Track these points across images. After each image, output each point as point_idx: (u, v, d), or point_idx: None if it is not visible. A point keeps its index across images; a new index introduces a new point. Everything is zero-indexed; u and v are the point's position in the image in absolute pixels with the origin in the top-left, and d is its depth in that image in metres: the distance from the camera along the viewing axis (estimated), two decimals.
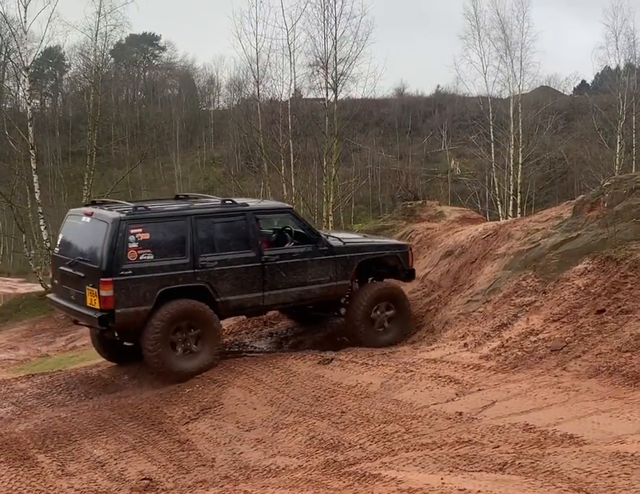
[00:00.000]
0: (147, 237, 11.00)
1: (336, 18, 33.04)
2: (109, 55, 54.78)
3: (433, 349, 11.18)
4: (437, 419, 8.22)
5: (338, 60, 33.03)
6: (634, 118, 42.16)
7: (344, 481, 6.27)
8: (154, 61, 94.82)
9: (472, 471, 6.22)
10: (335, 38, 32.97)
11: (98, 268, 10.86)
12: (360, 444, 7.85)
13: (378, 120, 75.13)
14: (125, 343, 11.88)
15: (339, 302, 12.83)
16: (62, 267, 11.79)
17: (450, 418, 8.18)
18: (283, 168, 33.36)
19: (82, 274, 11.18)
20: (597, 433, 7.00)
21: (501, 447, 6.96)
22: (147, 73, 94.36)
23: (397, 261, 13.18)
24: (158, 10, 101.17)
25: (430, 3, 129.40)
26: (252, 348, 13.25)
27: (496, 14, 42.10)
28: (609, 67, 48.93)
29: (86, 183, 33.75)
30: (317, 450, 8.02)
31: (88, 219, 11.53)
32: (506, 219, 29.53)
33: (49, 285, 30.68)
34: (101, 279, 10.73)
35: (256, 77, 34.80)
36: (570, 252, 11.53)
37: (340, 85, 33.67)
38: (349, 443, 7.97)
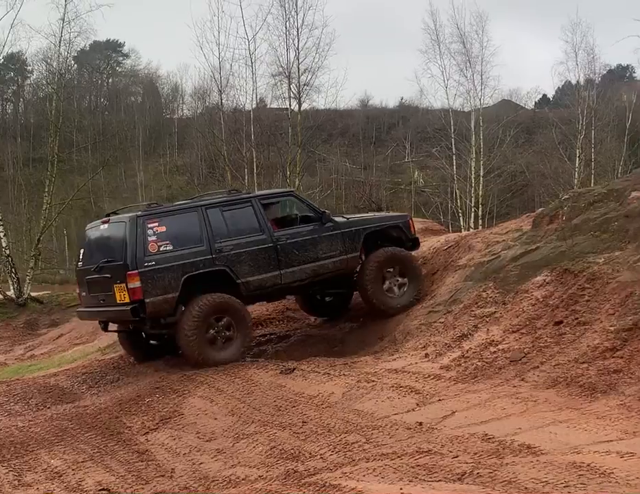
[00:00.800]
0: (164, 230, 11.84)
1: (298, 29, 33.21)
2: (72, 62, 54.17)
3: (395, 359, 11.23)
4: (397, 429, 8.24)
5: (301, 70, 33.15)
6: (593, 132, 42.81)
7: (304, 492, 6.27)
8: (117, 68, 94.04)
9: (432, 481, 6.25)
10: (297, 49, 33.11)
11: (123, 264, 11.66)
12: (321, 455, 7.84)
13: (343, 131, 75.18)
14: (151, 341, 13.17)
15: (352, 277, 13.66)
16: (87, 277, 12.61)
17: (410, 428, 8.21)
18: (246, 177, 33.30)
19: (109, 275, 11.96)
20: (554, 443, 7.06)
21: (460, 456, 7.00)
22: (110, 80, 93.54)
23: (400, 231, 13.93)
24: (123, 17, 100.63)
25: (393, 16, 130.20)
26: None
27: (456, 28, 42.49)
28: (569, 82, 49.70)
29: (46, 190, 33.35)
30: (278, 460, 7.99)
31: (106, 225, 12.45)
32: (468, 230, 29.78)
33: (7, 293, 30.43)
34: (128, 273, 11.54)
35: (219, 86, 34.77)
36: (530, 264, 11.67)
37: (304, 95, 33.81)
38: (310, 453, 7.95)
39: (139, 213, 11.94)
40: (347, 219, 13.80)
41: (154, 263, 11.64)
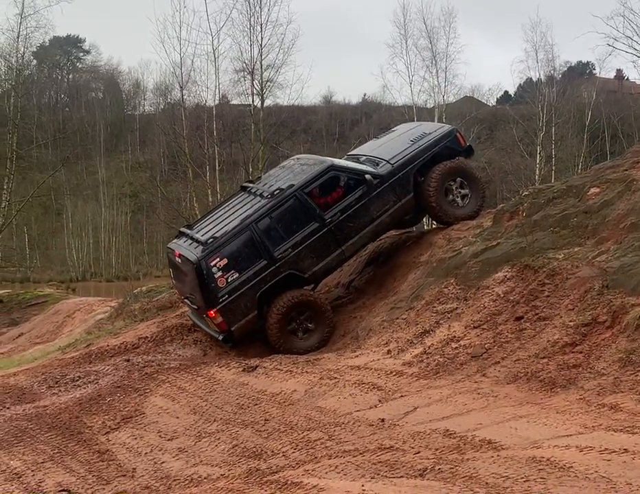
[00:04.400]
0: (226, 262, 12.52)
1: (262, 25, 33.08)
2: (32, 57, 53.48)
3: (357, 356, 11.24)
4: (359, 426, 8.27)
5: (264, 66, 33.03)
6: (553, 129, 43.28)
7: (266, 490, 6.27)
8: (78, 64, 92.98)
9: (393, 477, 6.27)
10: (261, 45, 32.98)
11: (202, 305, 12.70)
12: (283, 452, 7.85)
13: (306, 127, 75.19)
14: None
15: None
16: (184, 299, 13.90)
17: (372, 425, 8.25)
18: (208, 174, 33.10)
19: (196, 307, 13.18)
20: (515, 438, 7.12)
21: (422, 452, 7.02)
22: (71, 76, 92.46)
23: (449, 149, 14.02)
24: (83, 12, 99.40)
25: (358, 14, 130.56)
26: (175, 357, 13.07)
27: (423, 23, 42.68)
28: (530, 79, 50.16)
29: (6, 187, 32.94)
30: (240, 458, 7.99)
31: (179, 260, 13.18)
32: (430, 227, 29.92)
33: None
34: (209, 312, 12.52)
35: (180, 82, 34.52)
36: (491, 260, 11.74)
37: (267, 91, 33.69)
38: (272, 451, 7.96)
39: (200, 254, 12.48)
40: (392, 164, 13.58)
41: (227, 296, 12.49)
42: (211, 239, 12.61)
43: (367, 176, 13.22)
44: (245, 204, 13.37)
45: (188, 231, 13.64)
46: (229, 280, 12.49)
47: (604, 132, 53.34)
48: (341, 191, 13.36)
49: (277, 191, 13.01)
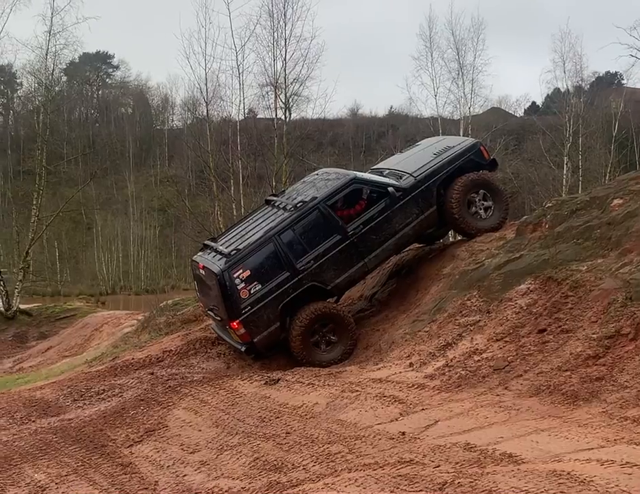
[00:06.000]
0: (249, 274, 12.60)
1: (285, 40, 33.17)
2: (62, 74, 54.18)
3: (379, 369, 11.22)
4: (380, 439, 8.25)
5: (288, 81, 33.13)
6: (580, 140, 42.94)
7: None
8: (107, 80, 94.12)
9: (413, 491, 6.26)
10: (284, 60, 33.09)
11: (225, 316, 12.78)
12: (304, 466, 7.85)
13: (333, 140, 75.34)
14: None
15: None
16: (207, 310, 13.96)
17: (393, 438, 8.21)
18: (232, 188, 33.23)
19: (220, 319, 13.25)
20: (536, 452, 7.07)
21: (442, 466, 7.00)
22: (100, 92, 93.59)
23: (473, 162, 13.99)
24: (112, 29, 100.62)
25: (383, 29, 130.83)
26: (199, 370, 13.13)
27: (452, 34, 42.58)
28: (558, 89, 49.84)
29: (34, 202, 33.31)
30: (261, 472, 8.00)
31: (203, 272, 13.24)
32: (454, 239, 29.79)
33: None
34: (231, 324, 12.64)
35: (205, 97, 34.72)
36: (513, 272, 11.68)
37: (294, 104, 33.78)
38: (293, 464, 7.96)
39: (223, 265, 12.57)
40: (415, 177, 13.59)
41: (249, 307, 12.57)
42: (234, 251, 12.71)
43: (390, 189, 13.25)
44: (269, 217, 13.46)
45: (212, 244, 13.74)
46: (251, 292, 12.57)
47: (633, 142, 52.82)
48: (364, 203, 13.39)
49: (300, 203, 13.08)
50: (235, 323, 12.56)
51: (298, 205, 13.06)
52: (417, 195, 13.43)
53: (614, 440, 7.06)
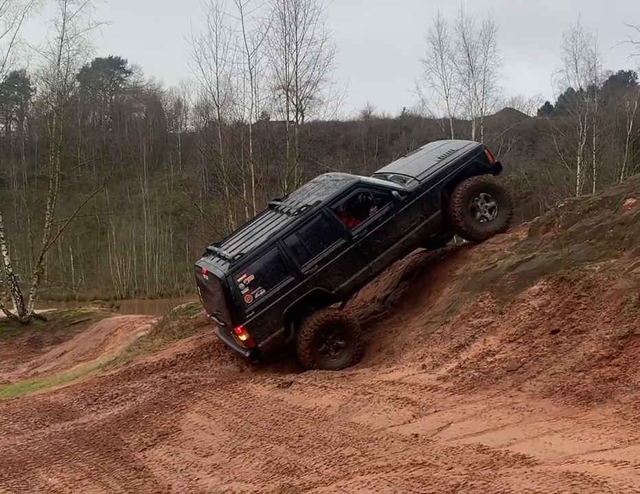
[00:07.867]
0: (253, 278, 12.53)
1: (297, 43, 33.22)
2: (75, 79, 54.41)
3: (392, 371, 11.19)
4: (393, 441, 8.22)
5: (300, 83, 33.19)
6: (594, 139, 42.78)
7: None
8: (120, 85, 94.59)
9: (425, 493, 6.23)
10: (296, 63, 33.15)
11: (228, 321, 12.76)
12: (317, 468, 7.83)
13: (345, 142, 75.46)
14: None
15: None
16: (211, 316, 13.96)
17: (405, 440, 8.19)
18: (245, 191, 33.30)
19: (223, 324, 13.28)
20: (549, 453, 7.03)
21: (455, 468, 6.96)
22: (113, 97, 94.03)
23: (477, 166, 13.89)
24: (124, 34, 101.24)
25: (394, 34, 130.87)
26: (212, 373, 13.16)
27: (462, 37, 42.67)
28: (572, 89, 49.67)
29: (48, 207, 33.47)
30: (274, 475, 7.99)
31: (207, 277, 13.22)
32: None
33: (10, 311, 30.55)
34: (235, 329, 12.58)
35: (216, 101, 34.78)
36: (526, 273, 11.63)
37: (306, 107, 33.84)
38: (306, 467, 7.94)
39: (227, 270, 12.49)
40: (419, 181, 13.53)
41: (253, 312, 12.51)
42: (237, 256, 12.67)
43: (394, 192, 13.21)
44: (272, 221, 13.43)
45: (216, 249, 13.72)
46: (255, 297, 12.54)
47: None
48: (368, 207, 13.36)
49: (304, 207, 13.04)
50: (239, 328, 12.53)
51: (302, 209, 13.02)
52: (422, 199, 13.37)
53: (628, 440, 7.01)
